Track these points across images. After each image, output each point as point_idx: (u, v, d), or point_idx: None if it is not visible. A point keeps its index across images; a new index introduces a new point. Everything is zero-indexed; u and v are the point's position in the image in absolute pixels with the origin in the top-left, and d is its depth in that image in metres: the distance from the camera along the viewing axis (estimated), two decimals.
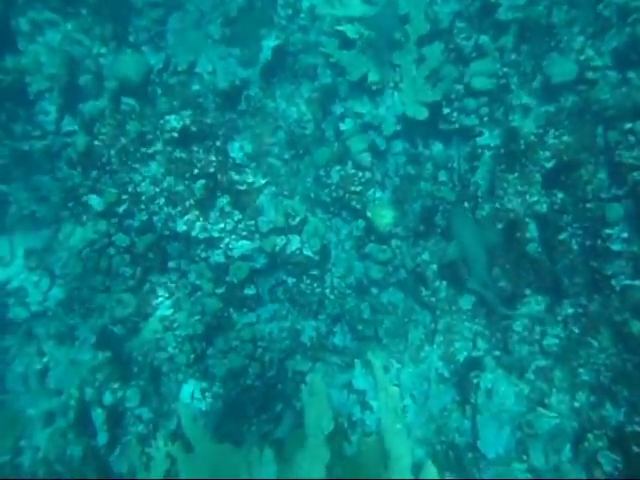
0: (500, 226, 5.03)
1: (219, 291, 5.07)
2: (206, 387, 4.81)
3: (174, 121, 5.27)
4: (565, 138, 4.88)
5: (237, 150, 5.90)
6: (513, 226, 4.97)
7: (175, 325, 4.93)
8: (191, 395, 4.76)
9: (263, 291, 5.32)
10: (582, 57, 5.34)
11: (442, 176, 5.75)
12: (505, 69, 5.57)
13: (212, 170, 5.14)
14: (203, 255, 5.08)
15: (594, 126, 4.98)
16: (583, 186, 4.80)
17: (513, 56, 5.58)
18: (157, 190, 5.13)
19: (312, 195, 5.75)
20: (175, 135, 5.18)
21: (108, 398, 4.66)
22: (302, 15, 6.57)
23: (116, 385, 4.70)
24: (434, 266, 5.16)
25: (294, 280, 5.35)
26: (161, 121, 5.33)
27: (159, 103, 5.62)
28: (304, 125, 6.13)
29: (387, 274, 5.31)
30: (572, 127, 4.96)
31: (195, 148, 5.27)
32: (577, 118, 5.14)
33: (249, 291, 5.07)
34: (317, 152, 5.91)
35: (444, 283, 5.10)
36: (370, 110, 5.93)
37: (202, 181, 5.04)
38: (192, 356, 4.79)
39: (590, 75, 5.27)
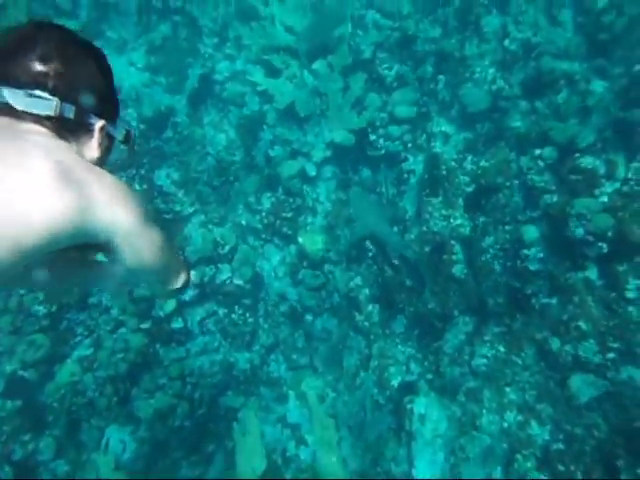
0: (427, 249, 5.03)
1: (144, 326, 4.67)
2: (131, 431, 4.35)
3: None
4: (482, 164, 4.98)
5: (164, 178, 5.57)
6: (440, 248, 4.97)
7: (95, 365, 4.46)
8: (114, 441, 4.28)
9: (192, 323, 4.96)
10: (494, 87, 5.54)
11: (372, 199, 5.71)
12: (425, 98, 5.67)
13: None
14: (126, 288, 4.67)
15: (508, 152, 5.12)
16: (501, 209, 4.90)
17: (432, 85, 5.69)
18: None
19: (243, 222, 5.51)
20: None
21: (17, 453, 4.09)
22: (228, 44, 6.43)
23: (27, 437, 4.14)
24: (367, 290, 5.05)
25: (225, 310, 5.04)
26: None
27: None
28: (233, 152, 5.92)
29: (321, 300, 5.14)
30: (488, 153, 5.07)
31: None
32: (492, 144, 5.29)
33: (177, 324, 4.70)
34: (247, 179, 5.71)
35: (377, 307, 5.00)
36: (299, 137, 5.82)
37: None
38: (114, 398, 4.33)
39: (502, 104, 5.47)
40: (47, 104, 0.98)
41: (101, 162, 1.13)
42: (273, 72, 6.04)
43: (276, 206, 5.38)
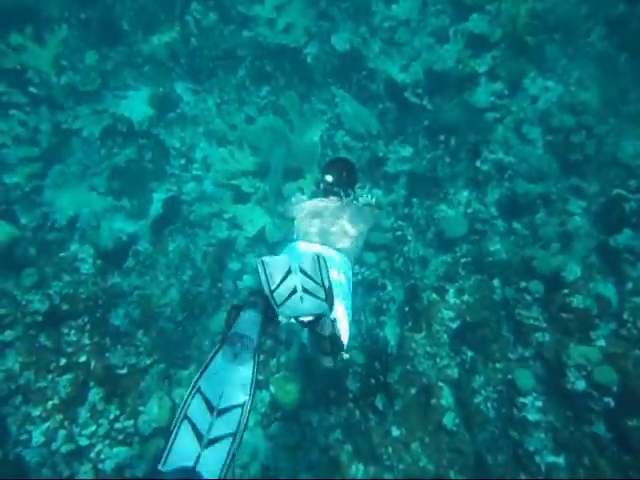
0: (413, 391, 4.53)
1: None
2: None
3: (38, 303, 4.34)
4: (466, 298, 4.63)
5: (121, 317, 5.06)
6: (427, 391, 4.48)
7: None
8: None
9: None
10: (470, 210, 5.34)
11: (351, 329, 5.25)
12: (400, 222, 5.43)
13: (84, 358, 4.21)
14: (66, 474, 3.92)
15: (490, 280, 4.82)
16: (489, 344, 4.50)
17: (406, 209, 5.48)
18: (12, 387, 4.06)
19: None
20: (39, 318, 4.24)
21: None
22: (196, 165, 6.21)
23: None
24: (349, 446, 4.45)
25: None
26: (23, 302, 4.38)
27: (23, 276, 4.67)
28: (199, 282, 5.49)
29: (296, 460, 4.50)
30: (471, 286, 4.74)
31: (65, 330, 4.34)
32: (473, 269, 4.99)
33: None
34: (214, 314, 5.24)
35: (361, 466, 4.38)
36: None
37: (69, 375, 4.06)
38: None
39: (479, 226, 5.24)
40: (354, 191, 2.86)
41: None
42: (242, 196, 5.79)
43: None
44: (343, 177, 2.73)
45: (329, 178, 2.74)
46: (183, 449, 1.51)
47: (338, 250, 2.51)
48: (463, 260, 5.12)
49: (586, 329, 3.96)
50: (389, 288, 5.23)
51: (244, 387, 1.64)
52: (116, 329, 4.97)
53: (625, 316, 3.91)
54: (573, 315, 4.05)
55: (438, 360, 4.52)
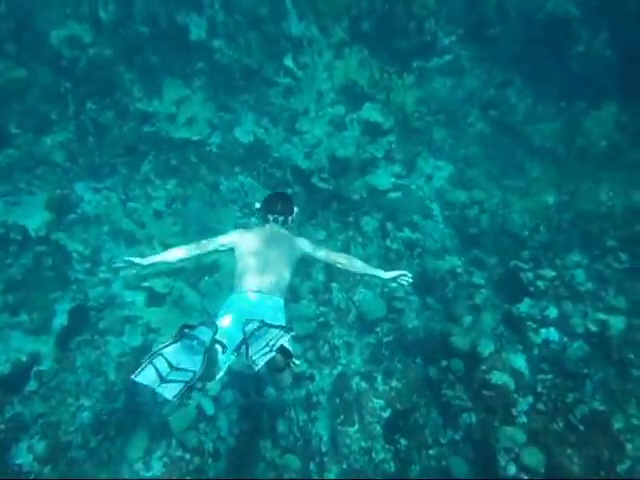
0: None
1: None
2: None
3: None
4: (394, 383, 4.61)
5: (24, 453, 4.41)
6: None
7: None
8: None
9: None
10: (386, 289, 5.43)
11: (281, 426, 4.99)
12: (322, 308, 5.38)
13: None
14: None
15: (414, 360, 4.86)
16: (421, 430, 4.45)
17: (326, 295, 5.45)
18: None
19: None
20: None
21: None
22: (103, 268, 5.77)
23: None
24: None
25: None
26: None
27: None
28: (114, 397, 4.96)
29: None
30: (397, 368, 4.74)
31: None
32: (396, 348, 5.02)
33: None
34: (132, 434, 4.71)
35: None
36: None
37: None
38: None
39: (397, 304, 5.33)
40: (289, 219, 3.25)
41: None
42: (156, 298, 5.44)
43: (170, 468, 4.42)
44: (279, 207, 3.19)
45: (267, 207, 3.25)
46: (149, 376, 2.06)
47: (274, 289, 2.90)
48: (385, 340, 5.14)
49: (507, 405, 4.06)
50: (317, 378, 5.08)
51: (195, 362, 2.11)
52: (18, 470, 4.31)
53: (539, 389, 4.08)
54: (494, 392, 4.16)
55: (374, 455, 4.38)
